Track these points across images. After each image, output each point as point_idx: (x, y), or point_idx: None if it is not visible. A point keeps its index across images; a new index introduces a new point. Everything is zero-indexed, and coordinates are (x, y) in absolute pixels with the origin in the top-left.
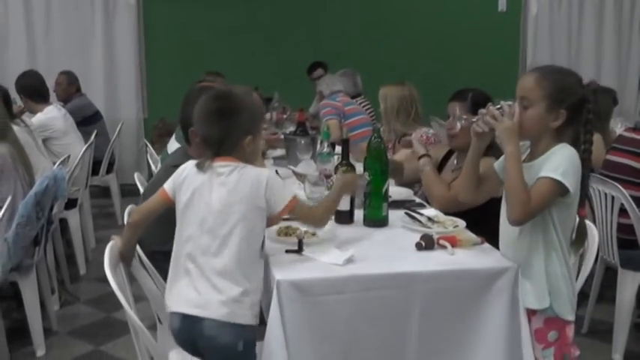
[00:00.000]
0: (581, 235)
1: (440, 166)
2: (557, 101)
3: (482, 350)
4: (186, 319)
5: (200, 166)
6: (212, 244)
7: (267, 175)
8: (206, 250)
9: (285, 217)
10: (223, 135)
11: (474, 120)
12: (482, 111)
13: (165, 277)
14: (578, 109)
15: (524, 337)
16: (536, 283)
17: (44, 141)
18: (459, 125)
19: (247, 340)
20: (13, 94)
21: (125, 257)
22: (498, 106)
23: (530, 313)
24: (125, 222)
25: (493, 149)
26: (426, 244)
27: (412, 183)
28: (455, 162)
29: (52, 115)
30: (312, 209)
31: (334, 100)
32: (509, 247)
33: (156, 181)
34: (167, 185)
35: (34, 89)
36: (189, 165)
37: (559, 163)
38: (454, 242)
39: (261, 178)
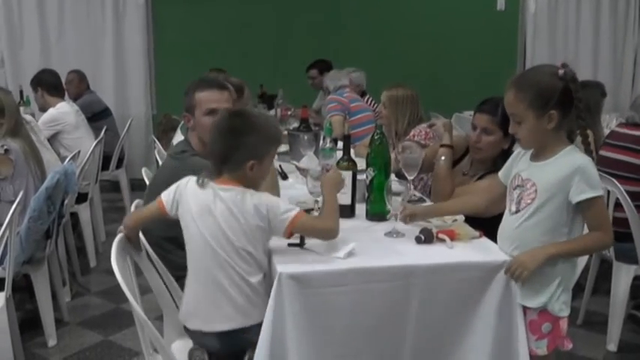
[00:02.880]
0: None
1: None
2: (541, 106)
3: (478, 341)
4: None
5: (199, 183)
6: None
7: (268, 200)
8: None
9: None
10: (225, 153)
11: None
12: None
13: (171, 269)
14: (565, 102)
15: (520, 333)
16: (533, 282)
17: (55, 135)
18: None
19: None
20: (27, 92)
21: (131, 241)
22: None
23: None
24: None
25: (497, 165)
26: (426, 237)
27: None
28: (468, 166)
29: (64, 110)
30: (318, 221)
31: (341, 95)
32: (509, 242)
33: (161, 172)
34: (165, 197)
35: (52, 84)
36: (190, 182)
37: (591, 175)
38: (453, 236)
39: (262, 202)
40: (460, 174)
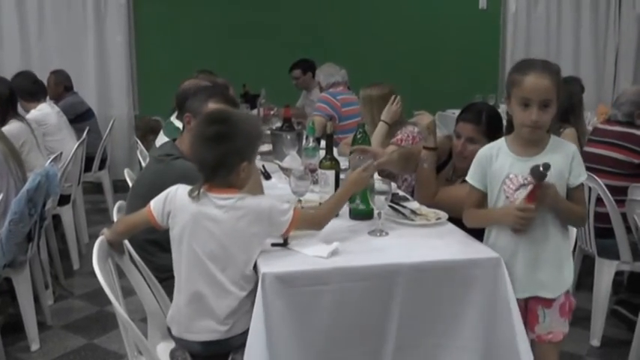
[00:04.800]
0: None
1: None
2: (559, 93)
3: (467, 341)
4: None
5: (192, 195)
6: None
7: (269, 205)
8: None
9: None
10: (218, 161)
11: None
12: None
13: (155, 271)
14: (572, 102)
15: (518, 331)
16: (553, 274)
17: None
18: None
19: None
20: None
21: (114, 246)
22: None
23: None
24: (115, 217)
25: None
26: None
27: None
28: (451, 172)
29: (45, 111)
30: (314, 213)
31: (335, 97)
32: (527, 237)
33: (145, 175)
34: (155, 207)
35: (24, 89)
36: (182, 193)
37: (581, 159)
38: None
39: (263, 208)
40: (444, 180)
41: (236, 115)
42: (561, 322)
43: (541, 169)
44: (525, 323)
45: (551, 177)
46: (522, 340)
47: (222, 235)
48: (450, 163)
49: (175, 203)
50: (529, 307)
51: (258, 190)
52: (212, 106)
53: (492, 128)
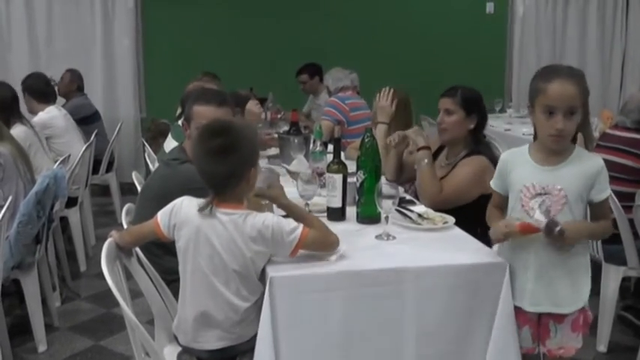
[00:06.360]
0: None
1: None
2: (586, 102)
3: (479, 347)
4: None
5: (203, 210)
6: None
7: (273, 223)
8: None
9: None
10: (231, 172)
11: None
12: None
13: (162, 273)
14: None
15: (513, 338)
16: (567, 291)
17: (46, 139)
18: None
19: None
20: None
21: (122, 251)
22: None
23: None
24: (123, 220)
25: (469, 145)
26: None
27: (411, 180)
28: (445, 158)
29: (53, 114)
30: (322, 234)
31: (343, 101)
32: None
33: (154, 178)
34: (162, 219)
35: (37, 90)
36: (187, 205)
37: (607, 174)
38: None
39: (267, 226)
40: (439, 168)
41: (235, 124)
42: (573, 337)
43: (556, 232)
44: (538, 336)
45: (569, 194)
46: (513, 350)
47: (223, 249)
48: (441, 153)
49: (180, 216)
50: (541, 321)
51: (278, 186)
52: (197, 108)
53: (467, 100)
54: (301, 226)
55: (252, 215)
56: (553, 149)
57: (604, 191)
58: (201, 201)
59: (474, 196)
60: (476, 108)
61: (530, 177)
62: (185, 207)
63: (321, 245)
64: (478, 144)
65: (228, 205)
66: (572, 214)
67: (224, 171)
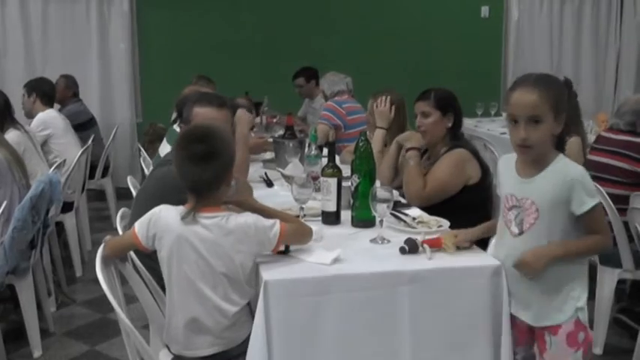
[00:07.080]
0: None
1: None
2: (559, 109)
3: (474, 347)
4: None
5: (185, 218)
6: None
7: (253, 221)
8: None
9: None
10: (215, 176)
11: None
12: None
13: (157, 278)
14: (568, 109)
15: (507, 342)
16: (558, 300)
17: (45, 140)
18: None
19: None
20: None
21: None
22: None
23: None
24: (118, 225)
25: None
26: (410, 248)
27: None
28: (427, 158)
29: (52, 114)
30: (297, 226)
31: (340, 105)
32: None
33: (148, 182)
34: (139, 230)
35: (45, 92)
36: (166, 215)
37: (588, 184)
38: (439, 244)
39: (249, 225)
40: (423, 166)
41: (215, 129)
42: (570, 354)
43: (406, 248)
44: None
45: (540, 208)
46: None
47: (208, 254)
48: (426, 154)
49: (160, 225)
50: (536, 332)
51: (247, 190)
52: (198, 110)
53: (441, 100)
54: (278, 221)
55: (233, 216)
56: (522, 160)
57: (585, 203)
58: (180, 209)
59: (458, 188)
60: (451, 107)
61: (510, 188)
62: (164, 216)
63: (300, 236)
64: (457, 140)
65: (210, 209)
66: (547, 228)
67: (208, 176)
